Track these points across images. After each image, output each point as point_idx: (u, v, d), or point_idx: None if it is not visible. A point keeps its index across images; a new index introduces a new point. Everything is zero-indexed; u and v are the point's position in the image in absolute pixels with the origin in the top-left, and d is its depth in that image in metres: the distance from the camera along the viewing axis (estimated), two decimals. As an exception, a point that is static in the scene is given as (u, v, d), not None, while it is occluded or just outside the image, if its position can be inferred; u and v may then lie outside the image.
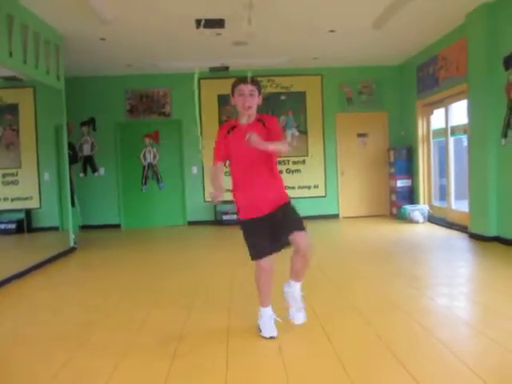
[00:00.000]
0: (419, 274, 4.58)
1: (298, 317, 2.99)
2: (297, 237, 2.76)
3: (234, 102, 2.92)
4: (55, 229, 7.63)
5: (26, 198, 7.93)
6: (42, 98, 7.41)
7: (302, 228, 2.80)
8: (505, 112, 5.70)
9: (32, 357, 2.85)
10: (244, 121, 2.89)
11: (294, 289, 3.02)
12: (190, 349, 2.82)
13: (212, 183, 2.86)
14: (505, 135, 5.73)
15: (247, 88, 2.85)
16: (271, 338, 2.87)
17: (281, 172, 9.40)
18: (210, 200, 2.80)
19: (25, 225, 7.84)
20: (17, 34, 5.32)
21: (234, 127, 2.93)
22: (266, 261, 2.86)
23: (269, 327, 2.91)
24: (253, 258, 2.89)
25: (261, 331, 2.93)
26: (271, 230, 2.85)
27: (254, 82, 2.90)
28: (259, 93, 2.92)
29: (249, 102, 2.85)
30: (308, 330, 3.08)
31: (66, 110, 6.75)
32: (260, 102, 2.94)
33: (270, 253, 2.87)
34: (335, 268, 4.93)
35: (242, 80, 2.88)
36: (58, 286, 4.83)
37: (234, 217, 8.73)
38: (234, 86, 2.90)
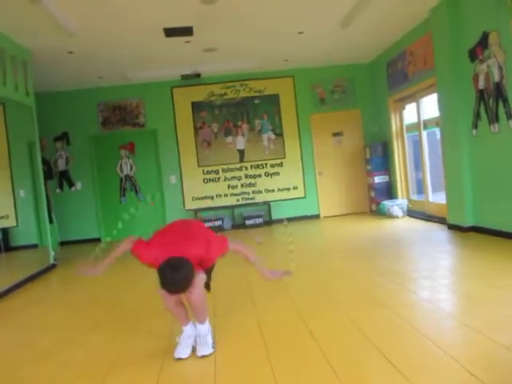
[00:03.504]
0: (401, 269, 4.62)
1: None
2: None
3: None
4: (34, 246, 7.50)
5: (2, 217, 7.79)
6: (13, 115, 7.28)
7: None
8: (474, 103, 5.81)
9: (19, 377, 2.80)
10: None
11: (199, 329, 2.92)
12: (177, 361, 2.80)
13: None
14: (475, 126, 5.84)
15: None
16: (179, 359, 2.78)
17: (259, 176, 9.45)
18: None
19: (1, 244, 7.70)
20: (-18, 51, 5.23)
21: None
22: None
23: (181, 347, 2.84)
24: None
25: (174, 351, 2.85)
26: None
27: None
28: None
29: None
30: (293, 329, 3.10)
31: (37, 126, 6.65)
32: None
33: None
34: (317, 267, 4.95)
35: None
36: (39, 304, 4.74)
37: (216, 223, 8.71)
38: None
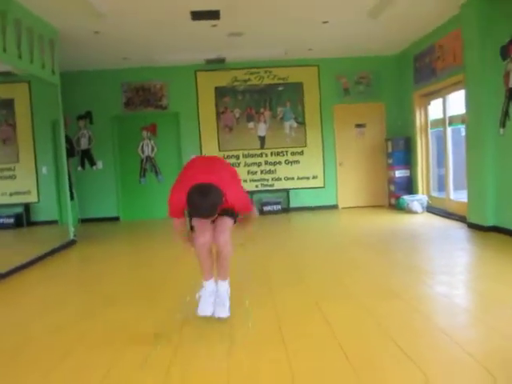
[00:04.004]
0: (418, 263, 4.60)
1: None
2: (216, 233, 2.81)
3: None
4: (54, 222, 7.65)
5: (25, 193, 7.95)
6: (38, 93, 7.40)
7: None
8: (503, 101, 5.70)
9: (35, 346, 2.87)
10: None
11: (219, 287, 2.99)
12: (191, 339, 2.84)
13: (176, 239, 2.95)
14: (503, 125, 5.73)
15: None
16: (205, 316, 2.83)
17: (279, 163, 9.42)
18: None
19: (24, 219, 7.86)
20: (10, 29, 5.28)
21: None
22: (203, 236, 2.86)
23: (204, 305, 2.87)
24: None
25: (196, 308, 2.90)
26: None
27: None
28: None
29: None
30: (308, 315, 3.13)
31: (62, 105, 6.72)
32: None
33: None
34: (334, 257, 4.95)
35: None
36: (59, 278, 4.85)
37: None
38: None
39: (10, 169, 7.92)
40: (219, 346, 2.69)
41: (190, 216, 2.83)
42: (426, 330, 2.79)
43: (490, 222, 6.00)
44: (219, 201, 2.59)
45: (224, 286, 2.95)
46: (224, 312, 2.88)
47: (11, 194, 7.98)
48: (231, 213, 2.93)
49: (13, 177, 7.93)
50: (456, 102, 7.36)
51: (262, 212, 8.83)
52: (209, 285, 2.92)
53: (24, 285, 4.53)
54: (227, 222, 2.79)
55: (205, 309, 2.83)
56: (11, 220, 7.83)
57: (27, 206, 7.94)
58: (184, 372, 2.41)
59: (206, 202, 2.53)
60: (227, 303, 2.92)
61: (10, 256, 5.63)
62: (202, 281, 2.95)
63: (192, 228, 2.91)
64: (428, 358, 2.41)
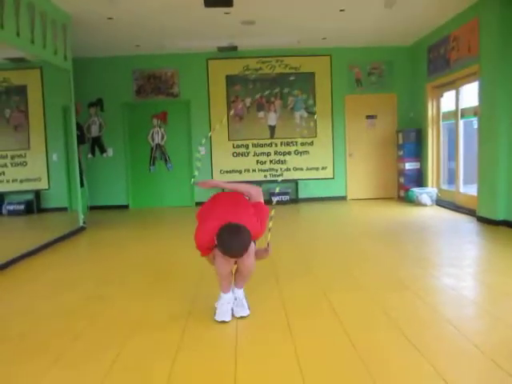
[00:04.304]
0: (426, 255, 4.59)
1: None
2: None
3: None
4: (64, 209, 7.69)
5: (35, 179, 7.99)
6: (50, 79, 7.40)
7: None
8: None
9: (45, 330, 2.90)
10: None
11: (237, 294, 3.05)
12: (199, 324, 2.86)
13: None
14: (516, 117, 5.67)
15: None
16: (222, 321, 2.88)
17: (289, 153, 9.37)
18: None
19: (34, 206, 7.91)
20: (24, 13, 5.29)
21: None
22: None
23: (223, 311, 2.93)
24: None
25: (215, 314, 2.94)
26: None
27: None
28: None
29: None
30: (315, 304, 3.15)
31: (73, 91, 6.74)
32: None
33: None
34: (343, 249, 4.94)
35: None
36: (69, 263, 4.90)
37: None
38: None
39: (21, 155, 7.95)
40: (226, 334, 2.71)
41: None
42: (433, 322, 2.79)
43: (500, 216, 5.96)
44: (248, 241, 2.65)
45: (241, 292, 3.05)
46: (244, 311, 2.98)
47: (22, 181, 8.02)
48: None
49: (23, 163, 7.97)
50: (469, 94, 7.28)
51: (270, 203, 8.82)
52: (228, 296, 3.00)
53: (34, 270, 4.58)
54: (251, 246, 2.82)
55: (223, 315, 2.92)
56: (22, 207, 7.88)
57: (38, 193, 7.99)
58: (191, 357, 2.43)
59: (236, 242, 2.60)
60: (246, 303, 3.02)
61: (20, 242, 5.69)
62: (219, 292, 3.00)
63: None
64: (435, 349, 2.41)
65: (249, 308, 3.01)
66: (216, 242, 2.65)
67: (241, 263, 2.85)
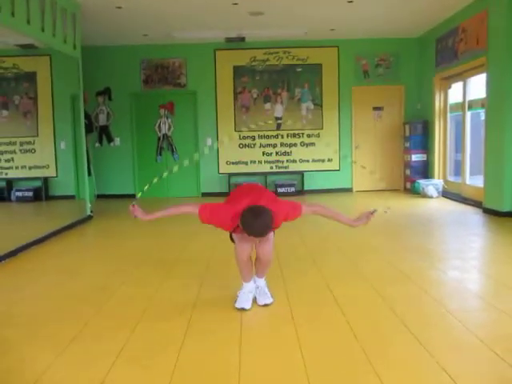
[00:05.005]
0: (431, 248, 4.61)
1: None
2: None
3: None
4: (71, 197, 7.75)
5: (43, 167, 8.04)
6: (58, 67, 7.42)
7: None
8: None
9: (52, 318, 2.95)
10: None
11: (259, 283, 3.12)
12: (205, 314, 2.90)
13: None
14: (524, 110, 5.66)
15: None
16: (242, 308, 2.94)
17: (295, 145, 9.40)
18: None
19: (42, 193, 7.98)
20: (34, 1, 5.31)
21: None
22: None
23: (243, 299, 2.99)
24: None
25: (235, 301, 3.02)
26: None
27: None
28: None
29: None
30: (318, 296, 3.19)
31: (82, 79, 6.77)
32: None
33: None
34: (347, 240, 4.96)
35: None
36: (77, 251, 4.96)
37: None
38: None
39: (29, 142, 8.00)
40: (230, 325, 2.74)
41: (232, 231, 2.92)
42: (436, 314, 2.82)
43: (506, 208, 5.97)
44: (270, 222, 2.69)
45: (262, 281, 3.11)
46: (267, 299, 3.05)
47: (30, 168, 8.08)
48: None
49: (32, 150, 8.02)
50: (476, 86, 7.26)
51: (276, 194, 8.86)
52: (249, 285, 3.06)
53: (42, 257, 4.63)
54: (271, 234, 2.88)
55: (242, 303, 2.98)
56: (30, 193, 7.95)
57: (46, 180, 8.05)
58: (196, 348, 2.46)
59: (260, 222, 2.64)
60: (268, 291, 3.09)
61: (29, 229, 5.77)
62: (241, 282, 3.06)
63: (232, 239, 3.00)
64: (438, 341, 2.43)
65: (272, 296, 3.07)
66: (240, 223, 2.69)
67: (260, 249, 2.90)
